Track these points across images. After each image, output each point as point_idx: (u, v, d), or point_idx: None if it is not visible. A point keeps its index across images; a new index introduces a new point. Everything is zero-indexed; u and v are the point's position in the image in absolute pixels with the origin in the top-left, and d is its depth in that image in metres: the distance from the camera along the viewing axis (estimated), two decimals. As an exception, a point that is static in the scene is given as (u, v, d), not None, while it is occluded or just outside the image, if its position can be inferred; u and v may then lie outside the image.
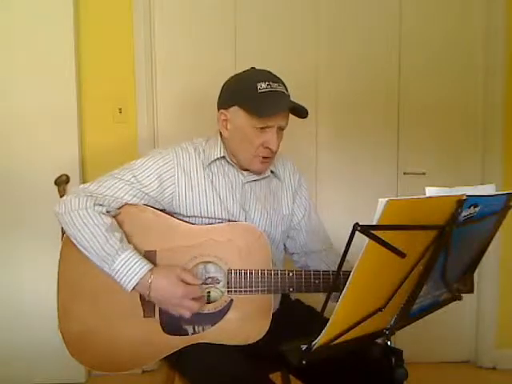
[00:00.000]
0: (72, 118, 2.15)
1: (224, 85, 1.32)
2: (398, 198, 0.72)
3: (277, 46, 2.26)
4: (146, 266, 1.16)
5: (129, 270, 1.15)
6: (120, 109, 2.22)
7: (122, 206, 1.25)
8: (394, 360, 0.92)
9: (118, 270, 1.15)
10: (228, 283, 1.24)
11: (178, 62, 2.26)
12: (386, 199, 0.70)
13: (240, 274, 1.23)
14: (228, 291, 1.24)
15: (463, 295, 1.08)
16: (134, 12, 2.18)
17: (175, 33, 2.25)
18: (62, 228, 1.24)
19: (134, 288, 1.16)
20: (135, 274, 1.15)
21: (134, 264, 1.15)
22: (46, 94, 2.12)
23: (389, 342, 0.92)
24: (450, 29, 2.32)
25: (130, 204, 1.25)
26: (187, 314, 1.18)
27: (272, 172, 1.39)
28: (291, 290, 1.24)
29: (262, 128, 1.23)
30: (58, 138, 2.14)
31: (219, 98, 1.31)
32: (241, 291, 1.23)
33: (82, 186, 1.26)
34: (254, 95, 1.21)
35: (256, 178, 1.35)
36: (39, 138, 2.14)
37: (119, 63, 2.21)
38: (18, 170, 2.14)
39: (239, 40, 2.25)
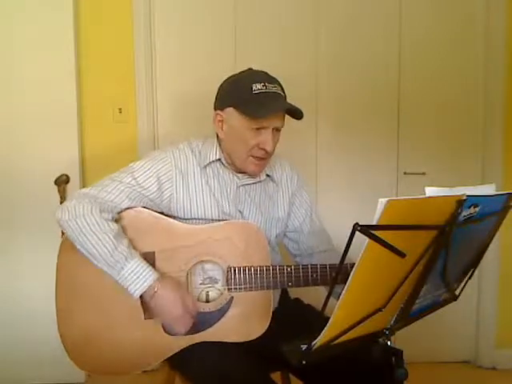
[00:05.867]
0: (72, 117, 2.14)
1: (220, 85, 1.31)
2: (398, 198, 0.72)
3: (277, 46, 2.26)
4: (153, 275, 1.16)
5: (137, 277, 1.15)
6: (120, 109, 2.22)
7: (123, 210, 1.25)
8: (394, 360, 0.92)
9: (127, 278, 1.15)
10: (228, 281, 1.24)
11: (177, 61, 2.26)
12: (386, 199, 0.70)
13: (239, 270, 1.24)
14: (228, 289, 1.24)
15: (463, 295, 1.08)
16: (134, 12, 2.18)
17: (175, 33, 2.24)
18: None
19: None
20: (143, 282, 1.15)
21: (143, 272, 1.15)
22: (46, 94, 2.11)
23: (389, 342, 0.92)
24: (450, 29, 2.32)
25: (129, 207, 1.25)
26: (182, 331, 1.19)
27: (268, 176, 1.39)
28: (290, 284, 1.26)
29: (257, 129, 1.23)
30: (57, 138, 2.14)
31: (216, 98, 1.31)
32: (240, 288, 1.24)
33: (82, 190, 1.25)
34: (248, 96, 1.20)
35: (251, 181, 1.35)
36: (39, 137, 2.14)
37: (119, 63, 2.21)
38: (18, 170, 2.14)
39: (239, 40, 2.25)
